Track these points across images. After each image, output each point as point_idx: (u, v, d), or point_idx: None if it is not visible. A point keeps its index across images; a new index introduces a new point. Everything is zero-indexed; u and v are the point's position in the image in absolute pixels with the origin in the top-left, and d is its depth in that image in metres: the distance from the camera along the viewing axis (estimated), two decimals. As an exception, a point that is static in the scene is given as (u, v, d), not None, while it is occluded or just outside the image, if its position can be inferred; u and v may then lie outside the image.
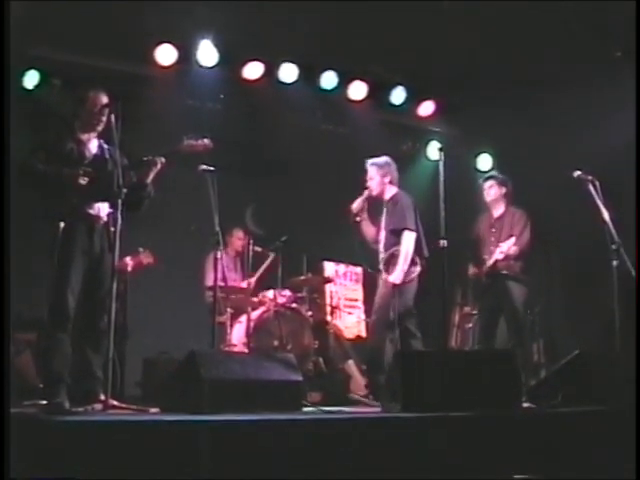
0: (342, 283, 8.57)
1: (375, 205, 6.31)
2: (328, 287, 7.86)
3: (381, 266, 6.07)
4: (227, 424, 3.57)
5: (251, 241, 6.94)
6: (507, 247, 6.15)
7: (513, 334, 6.30)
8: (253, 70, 7.50)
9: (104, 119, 4.68)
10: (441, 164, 5.43)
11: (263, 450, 3.41)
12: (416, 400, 4.22)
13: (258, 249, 6.97)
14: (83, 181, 4.49)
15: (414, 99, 8.26)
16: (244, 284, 7.11)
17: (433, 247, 5.59)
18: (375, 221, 6.28)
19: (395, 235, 6.03)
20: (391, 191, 6.21)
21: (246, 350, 6.35)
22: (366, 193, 6.21)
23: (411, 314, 6.00)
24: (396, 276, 5.90)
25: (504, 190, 6.54)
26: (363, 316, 8.34)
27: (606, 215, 5.51)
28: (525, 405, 4.76)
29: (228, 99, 7.74)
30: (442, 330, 5.80)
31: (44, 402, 4.37)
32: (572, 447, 4.07)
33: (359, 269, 8.61)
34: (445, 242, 5.27)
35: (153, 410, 4.42)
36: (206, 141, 4.90)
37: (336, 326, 7.48)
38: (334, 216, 6.61)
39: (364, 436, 3.71)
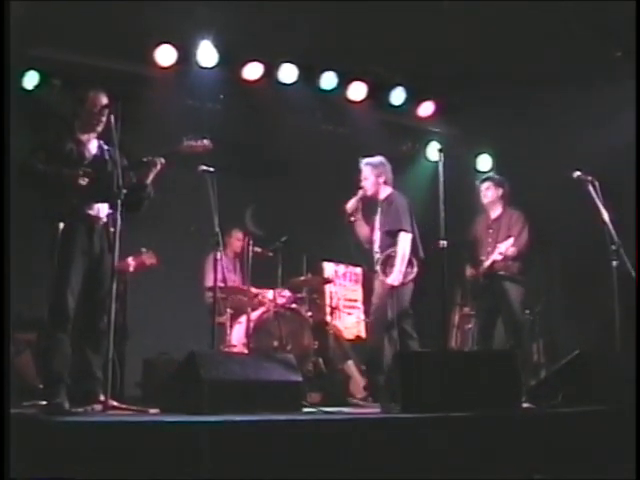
0: (342, 284, 8.57)
1: (369, 205, 6.30)
2: (328, 287, 7.85)
3: (377, 267, 6.06)
4: (227, 424, 3.57)
5: (251, 242, 6.93)
6: (505, 248, 6.15)
7: (511, 335, 6.30)
8: (253, 71, 7.50)
9: (104, 119, 4.68)
10: (441, 165, 5.41)
11: (263, 450, 3.40)
12: (415, 401, 4.21)
13: (258, 250, 6.97)
14: (83, 181, 4.49)
15: (414, 99, 8.25)
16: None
17: (433, 248, 5.59)
18: (369, 221, 6.27)
19: (390, 236, 6.02)
20: (386, 191, 6.20)
21: (246, 351, 6.33)
22: (360, 193, 6.20)
23: (407, 315, 6.00)
24: (394, 278, 5.90)
25: (501, 191, 6.54)
26: (363, 317, 8.32)
27: (606, 215, 5.51)
28: (525, 405, 4.75)
29: (228, 100, 7.74)
30: (442, 330, 5.79)
31: (44, 402, 4.37)
32: (572, 447, 4.07)
33: (359, 269, 8.61)
34: (445, 243, 5.27)
35: (153, 411, 4.42)
36: (206, 142, 4.90)
37: (336, 327, 7.48)
38: (334, 217, 6.60)
39: (364, 436, 3.70)
